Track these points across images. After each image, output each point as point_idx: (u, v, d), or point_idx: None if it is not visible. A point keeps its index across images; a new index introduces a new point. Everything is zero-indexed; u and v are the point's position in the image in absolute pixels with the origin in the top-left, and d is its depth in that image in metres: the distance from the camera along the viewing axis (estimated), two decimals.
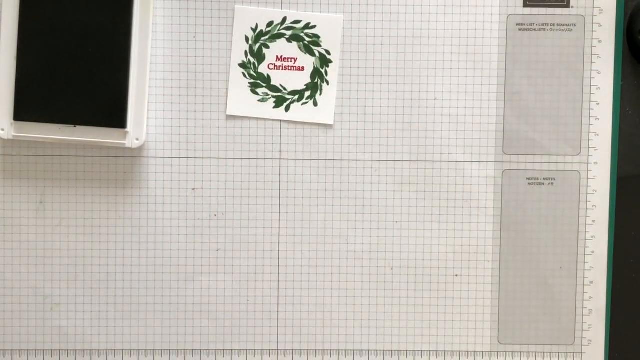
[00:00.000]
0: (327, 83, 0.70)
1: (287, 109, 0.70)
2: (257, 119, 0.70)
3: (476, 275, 0.72)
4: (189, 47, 0.70)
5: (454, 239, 0.71)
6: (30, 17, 0.66)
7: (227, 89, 0.70)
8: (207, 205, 0.71)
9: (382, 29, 0.70)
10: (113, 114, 0.67)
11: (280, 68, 0.70)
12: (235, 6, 0.70)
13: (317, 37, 0.70)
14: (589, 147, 0.71)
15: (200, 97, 0.70)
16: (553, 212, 0.71)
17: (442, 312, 0.72)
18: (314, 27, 0.70)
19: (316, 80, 0.70)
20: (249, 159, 0.71)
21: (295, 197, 0.71)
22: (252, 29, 0.70)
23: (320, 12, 0.70)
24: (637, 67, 0.71)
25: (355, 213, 0.71)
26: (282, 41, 0.70)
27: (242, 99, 0.70)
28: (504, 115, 0.71)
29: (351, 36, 0.70)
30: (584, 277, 0.72)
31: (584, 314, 0.72)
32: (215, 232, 0.71)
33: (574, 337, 0.72)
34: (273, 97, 0.70)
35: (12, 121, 0.67)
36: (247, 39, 0.70)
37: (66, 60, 0.66)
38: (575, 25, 0.70)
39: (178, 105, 0.70)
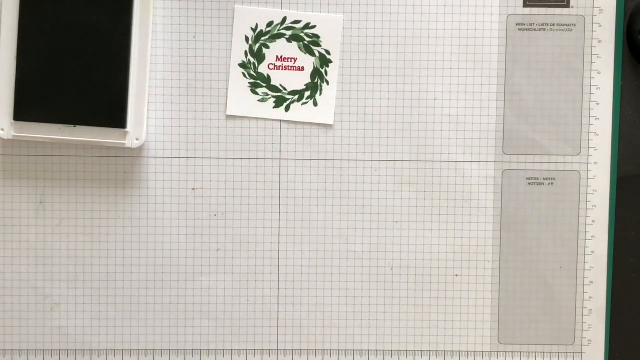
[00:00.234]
0: (327, 83, 0.70)
1: (287, 109, 0.70)
2: (257, 119, 0.70)
3: (476, 275, 0.72)
4: (189, 47, 0.70)
5: (454, 239, 0.71)
6: (30, 17, 0.66)
7: (227, 89, 0.70)
8: (207, 205, 0.71)
9: (382, 29, 0.70)
10: (113, 114, 0.67)
11: (280, 68, 0.70)
12: (235, 6, 0.70)
13: (317, 37, 0.70)
14: (589, 147, 0.71)
15: (200, 97, 0.70)
16: (553, 212, 0.71)
17: (442, 312, 0.72)
18: (314, 27, 0.70)
19: (316, 80, 0.70)
20: (249, 159, 0.71)
21: (295, 197, 0.71)
22: (252, 29, 0.70)
23: (320, 12, 0.70)
24: (637, 67, 0.71)
25: (355, 213, 0.71)
26: (282, 41, 0.70)
27: (242, 99, 0.70)
28: (504, 115, 0.71)
29: (351, 36, 0.70)
30: (584, 277, 0.72)
31: (584, 314, 0.72)
32: (215, 232, 0.71)
33: (574, 337, 0.72)
34: (273, 97, 0.70)
35: (12, 121, 0.67)
36: (247, 39, 0.70)
37: (66, 60, 0.66)
38: (575, 25, 0.70)
39: (178, 105, 0.70)
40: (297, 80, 0.70)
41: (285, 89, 0.70)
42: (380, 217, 0.71)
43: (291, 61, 0.70)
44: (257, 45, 0.70)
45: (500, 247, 0.71)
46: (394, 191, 0.71)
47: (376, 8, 0.70)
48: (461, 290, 0.72)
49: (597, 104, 0.71)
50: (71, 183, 0.70)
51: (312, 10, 0.70)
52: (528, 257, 0.71)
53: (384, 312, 0.72)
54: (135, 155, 0.70)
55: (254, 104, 0.70)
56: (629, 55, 0.71)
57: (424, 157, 0.71)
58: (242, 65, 0.70)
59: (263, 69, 0.70)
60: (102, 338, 0.71)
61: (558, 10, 0.70)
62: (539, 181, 0.71)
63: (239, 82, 0.70)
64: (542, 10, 0.70)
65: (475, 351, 0.72)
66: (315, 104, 0.70)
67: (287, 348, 0.72)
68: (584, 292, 0.72)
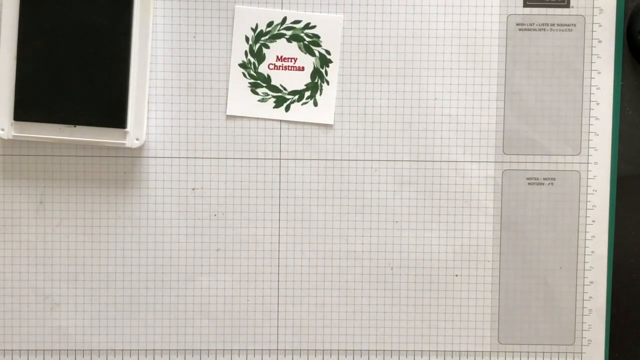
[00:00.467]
0: (327, 83, 0.70)
1: (287, 109, 0.70)
2: (257, 119, 0.70)
3: (476, 275, 0.72)
4: (189, 47, 0.70)
5: (454, 239, 0.71)
6: (30, 18, 0.66)
7: (227, 89, 0.70)
8: (207, 205, 0.71)
9: (382, 29, 0.70)
10: (113, 114, 0.67)
11: (280, 68, 0.70)
12: (235, 6, 0.70)
13: (317, 37, 0.70)
14: (589, 147, 0.71)
15: (200, 97, 0.70)
16: (553, 212, 0.71)
17: (442, 312, 0.72)
18: (314, 27, 0.70)
19: (316, 80, 0.70)
20: (249, 159, 0.71)
21: (295, 197, 0.71)
22: (252, 29, 0.70)
23: (320, 12, 0.70)
24: (637, 67, 0.71)
25: (355, 213, 0.71)
26: (282, 41, 0.70)
27: (242, 99, 0.70)
28: (504, 115, 0.71)
29: (351, 36, 0.70)
30: (584, 277, 0.72)
31: (584, 314, 0.72)
32: (215, 232, 0.71)
33: (574, 337, 0.72)
34: (273, 97, 0.70)
35: (12, 121, 0.67)
36: (247, 39, 0.70)
37: (66, 60, 0.66)
38: (575, 25, 0.70)
39: (178, 105, 0.70)
40: (297, 80, 0.70)
41: (285, 89, 0.70)
42: (380, 217, 0.71)
43: (291, 61, 0.70)
44: (257, 45, 0.70)
45: (500, 247, 0.71)
46: (394, 191, 0.71)
47: (376, 8, 0.70)
48: (461, 290, 0.72)
49: (597, 104, 0.71)
50: (71, 183, 0.70)
51: (312, 10, 0.70)
52: (528, 257, 0.71)
53: (384, 312, 0.72)
54: (135, 155, 0.70)
55: (254, 104, 0.70)
56: (629, 55, 0.71)
57: (424, 157, 0.71)
58: (242, 65, 0.70)
59: (263, 69, 0.70)
60: (102, 338, 0.71)
61: (558, 10, 0.70)
62: (539, 181, 0.71)
63: (239, 82, 0.70)
64: (542, 10, 0.70)
65: (475, 351, 0.72)
66: (315, 104, 0.70)
67: (287, 348, 0.72)
68: (584, 292, 0.72)
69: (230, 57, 0.70)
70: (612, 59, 0.70)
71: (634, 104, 0.71)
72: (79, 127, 0.67)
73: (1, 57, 0.67)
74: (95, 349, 0.71)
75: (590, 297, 0.72)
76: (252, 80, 0.70)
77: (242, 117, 0.70)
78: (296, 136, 0.70)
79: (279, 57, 0.70)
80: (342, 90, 0.70)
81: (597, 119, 0.71)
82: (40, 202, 0.70)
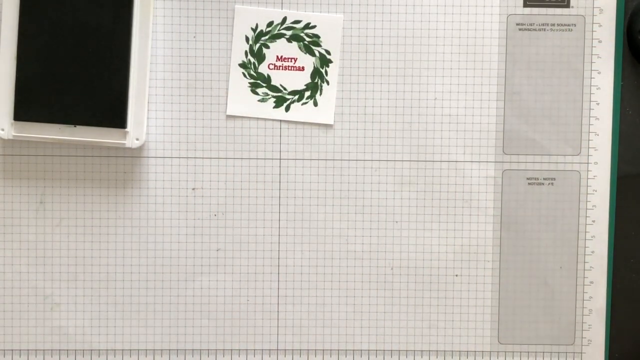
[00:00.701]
0: (327, 83, 0.70)
1: (287, 109, 0.70)
2: (257, 119, 0.70)
3: (476, 275, 0.72)
4: (189, 47, 0.70)
5: (454, 239, 0.71)
6: (30, 17, 0.66)
7: (227, 89, 0.70)
8: (207, 205, 0.71)
9: (382, 29, 0.70)
10: (113, 114, 0.67)
11: (280, 68, 0.70)
12: (235, 6, 0.70)
13: (317, 37, 0.70)
14: (589, 147, 0.71)
15: (200, 97, 0.70)
16: (553, 212, 0.71)
17: (442, 312, 0.72)
18: (314, 27, 0.70)
19: (316, 80, 0.70)
20: (249, 159, 0.71)
21: (295, 197, 0.71)
22: (252, 29, 0.70)
23: (320, 12, 0.70)
24: (637, 67, 0.71)
25: (355, 213, 0.71)
26: (282, 41, 0.70)
27: (242, 99, 0.70)
28: (504, 115, 0.71)
29: (351, 36, 0.70)
30: (584, 277, 0.72)
31: (584, 314, 0.72)
32: (215, 232, 0.71)
33: (574, 337, 0.72)
34: (273, 97, 0.70)
35: (12, 121, 0.67)
36: (247, 39, 0.70)
37: (66, 60, 0.66)
38: (575, 25, 0.70)
39: (178, 105, 0.70)
40: (297, 80, 0.70)
41: (285, 89, 0.70)
42: (380, 217, 0.71)
43: (291, 61, 0.70)
44: (257, 45, 0.70)
45: (500, 247, 0.71)
46: (394, 191, 0.71)
47: (376, 8, 0.70)
48: (461, 290, 0.72)
49: (597, 104, 0.71)
50: (71, 183, 0.70)
51: (312, 10, 0.70)
52: (528, 257, 0.71)
53: (384, 312, 0.72)
54: (135, 155, 0.70)
55: (254, 104, 0.70)
56: (629, 55, 0.71)
57: (424, 157, 0.71)
58: (242, 65, 0.70)
59: (263, 69, 0.70)
60: (102, 338, 0.71)
61: (558, 10, 0.70)
62: (539, 181, 0.71)
63: (239, 82, 0.70)
64: (542, 10, 0.70)
65: (475, 351, 0.72)
66: (315, 104, 0.70)
67: (287, 348, 0.72)
68: (584, 292, 0.72)
69: (230, 57, 0.70)
70: (612, 59, 0.70)
71: (634, 104, 0.71)
72: (79, 127, 0.67)
73: (1, 57, 0.67)
74: (95, 349, 0.71)
75: (590, 297, 0.72)
76: (252, 80, 0.70)
77: (242, 117, 0.70)
78: (296, 136, 0.70)
79: (279, 57, 0.70)
80: (342, 90, 0.70)
81: (597, 119, 0.71)
82: (40, 202, 0.70)
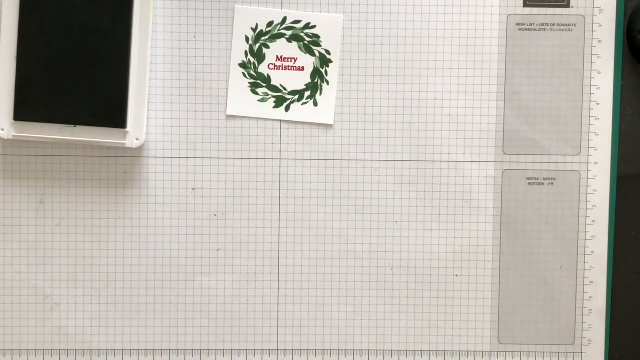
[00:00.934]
0: (327, 83, 0.70)
1: (287, 109, 0.70)
2: (257, 119, 0.70)
3: (476, 275, 0.72)
4: (189, 47, 0.70)
5: (454, 239, 0.71)
6: (30, 17, 0.66)
7: (227, 89, 0.70)
8: (207, 205, 0.71)
9: (382, 29, 0.70)
10: (113, 114, 0.67)
11: (280, 68, 0.70)
12: (235, 6, 0.70)
13: (317, 37, 0.70)
14: (589, 147, 0.71)
15: (200, 97, 0.70)
16: (553, 212, 0.71)
17: (442, 312, 0.72)
18: (314, 27, 0.70)
19: (316, 80, 0.70)
20: (249, 159, 0.71)
21: (295, 197, 0.71)
22: (252, 29, 0.70)
23: (320, 12, 0.70)
24: (637, 67, 0.71)
25: (355, 213, 0.71)
26: (282, 41, 0.70)
27: (242, 99, 0.70)
28: (504, 115, 0.71)
29: (351, 36, 0.70)
30: (584, 277, 0.72)
31: (584, 314, 0.72)
32: (215, 232, 0.71)
33: (574, 337, 0.72)
34: (273, 97, 0.70)
35: (12, 121, 0.67)
36: (247, 39, 0.70)
37: (66, 60, 0.66)
38: (575, 25, 0.70)
39: (178, 105, 0.70)
40: (297, 80, 0.70)
41: (285, 89, 0.70)
42: (380, 217, 0.71)
43: (291, 61, 0.70)
44: (257, 45, 0.70)
45: (500, 247, 0.71)
46: (394, 191, 0.71)
47: (376, 8, 0.70)
48: (461, 290, 0.72)
49: (597, 104, 0.71)
50: (71, 183, 0.70)
51: (312, 10, 0.70)
52: (528, 257, 0.71)
53: (384, 312, 0.72)
54: (135, 155, 0.70)
55: (254, 104, 0.70)
56: (629, 55, 0.71)
57: (424, 157, 0.71)
58: (242, 65, 0.70)
59: (263, 69, 0.70)
60: (102, 338, 0.71)
61: (558, 10, 0.70)
62: (539, 181, 0.71)
63: (239, 82, 0.70)
64: (542, 10, 0.70)
65: (475, 351, 0.72)
66: (315, 104, 0.70)
67: (287, 348, 0.72)
68: (584, 292, 0.72)
69: (230, 57, 0.70)
70: (612, 59, 0.70)
71: (634, 104, 0.71)
72: (79, 127, 0.67)
73: (1, 57, 0.67)
74: (95, 349, 0.71)
75: (590, 297, 0.72)
76: (252, 80, 0.70)
77: (242, 117, 0.70)
78: (296, 136, 0.70)
79: (279, 57, 0.70)
80: (342, 90, 0.70)
81: (597, 119, 0.71)
82: (40, 202, 0.70)
